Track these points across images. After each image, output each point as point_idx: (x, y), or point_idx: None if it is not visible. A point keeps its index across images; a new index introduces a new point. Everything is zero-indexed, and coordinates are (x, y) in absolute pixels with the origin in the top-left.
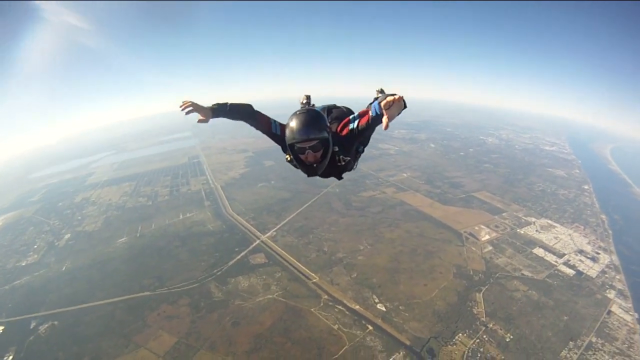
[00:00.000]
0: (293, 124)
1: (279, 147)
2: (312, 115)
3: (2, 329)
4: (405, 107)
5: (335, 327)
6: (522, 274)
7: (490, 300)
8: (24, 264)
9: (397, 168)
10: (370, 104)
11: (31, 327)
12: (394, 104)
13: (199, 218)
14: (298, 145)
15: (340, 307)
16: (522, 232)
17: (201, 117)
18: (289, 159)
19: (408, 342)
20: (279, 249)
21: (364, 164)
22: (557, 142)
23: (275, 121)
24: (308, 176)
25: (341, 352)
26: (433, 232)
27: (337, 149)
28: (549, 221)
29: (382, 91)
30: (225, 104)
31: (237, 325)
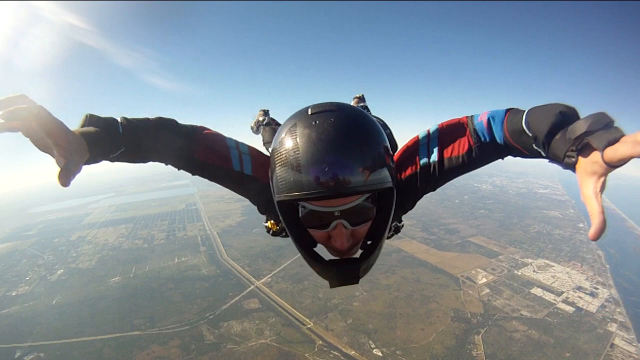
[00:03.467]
0: (302, 144)
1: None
2: (354, 123)
3: None
4: None
5: None
6: (521, 314)
7: (490, 342)
8: (14, 294)
9: None
10: (468, 118)
11: (16, 356)
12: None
13: (193, 262)
14: (312, 205)
15: (335, 352)
16: (519, 273)
17: (63, 168)
18: (275, 229)
19: None
20: (274, 294)
21: None
22: (551, 185)
23: (238, 146)
24: (332, 286)
25: None
26: (429, 277)
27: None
28: (546, 261)
29: (362, 98)
30: (109, 129)
31: None
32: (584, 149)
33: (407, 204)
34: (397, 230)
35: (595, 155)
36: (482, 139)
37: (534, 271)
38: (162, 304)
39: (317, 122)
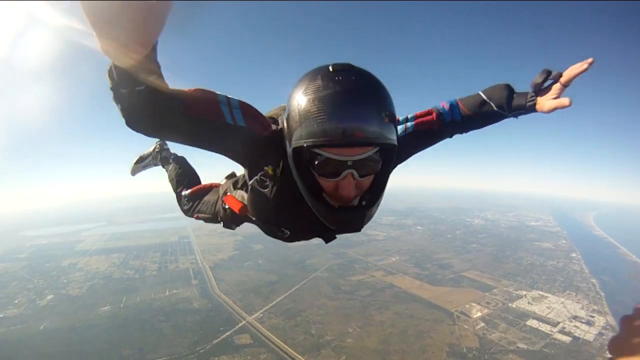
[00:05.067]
0: (329, 96)
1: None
2: (374, 82)
3: None
4: None
5: None
6: (518, 347)
7: None
8: (1, 315)
9: (386, 252)
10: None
11: None
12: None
13: (185, 295)
14: (330, 153)
15: None
16: (514, 305)
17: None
18: (271, 174)
19: None
20: (266, 330)
21: (351, 249)
22: (542, 217)
23: (229, 101)
24: (336, 232)
25: None
26: (423, 312)
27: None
28: (540, 292)
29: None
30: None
31: None
32: (541, 92)
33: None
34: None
35: (555, 86)
36: (447, 119)
37: (528, 303)
38: (152, 336)
39: (341, 78)
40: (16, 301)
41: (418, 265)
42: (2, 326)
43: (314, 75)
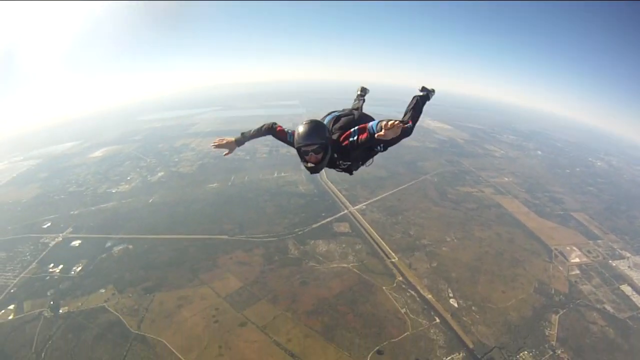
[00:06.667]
0: (300, 130)
1: None
2: (314, 125)
3: (79, 243)
4: (404, 135)
5: (403, 310)
6: (604, 308)
7: (565, 325)
8: (114, 191)
9: (500, 171)
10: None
11: (106, 246)
12: (391, 129)
13: (292, 179)
14: (303, 148)
15: (412, 292)
16: (614, 264)
17: (226, 152)
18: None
19: (471, 345)
20: (365, 222)
21: (466, 159)
22: None
23: (289, 131)
24: (311, 173)
25: (401, 336)
26: (523, 241)
27: (336, 155)
28: None
29: (363, 90)
30: (247, 134)
31: (305, 285)
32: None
33: (347, 156)
34: (348, 166)
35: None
36: (371, 132)
37: (629, 267)
38: (254, 214)
39: (306, 123)
40: (129, 177)
41: (529, 192)
42: (114, 200)
43: (302, 123)
